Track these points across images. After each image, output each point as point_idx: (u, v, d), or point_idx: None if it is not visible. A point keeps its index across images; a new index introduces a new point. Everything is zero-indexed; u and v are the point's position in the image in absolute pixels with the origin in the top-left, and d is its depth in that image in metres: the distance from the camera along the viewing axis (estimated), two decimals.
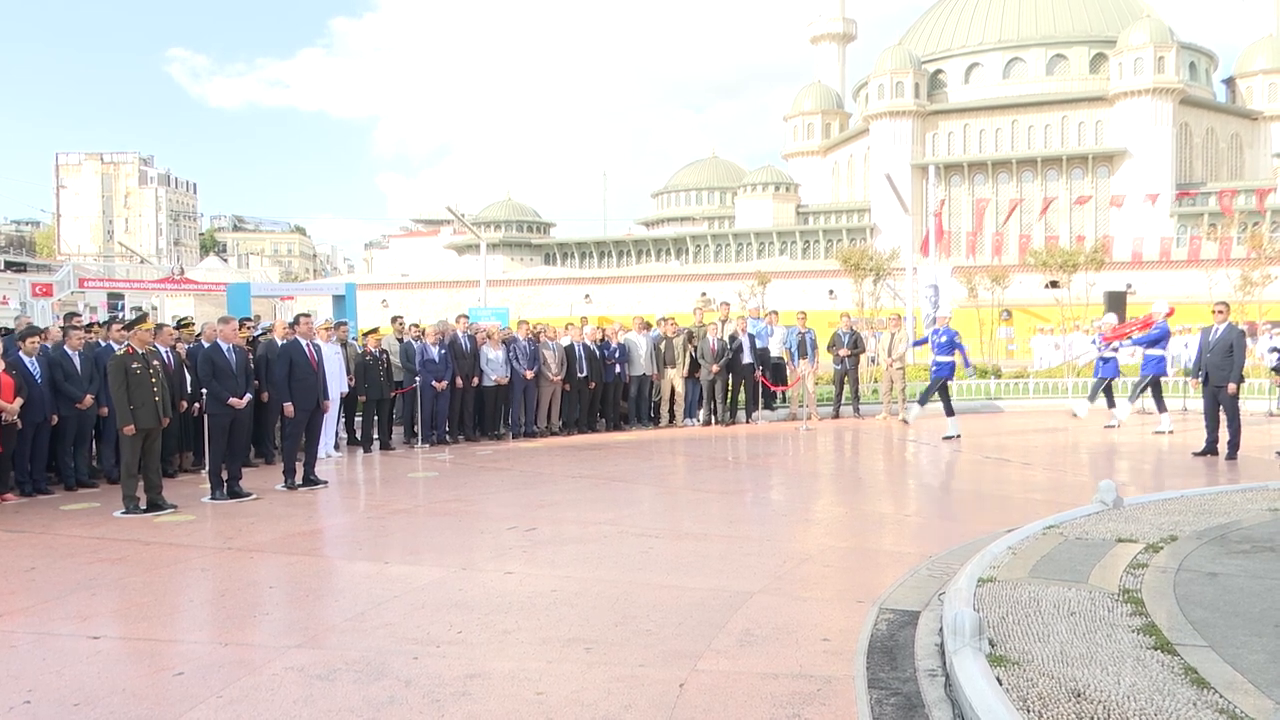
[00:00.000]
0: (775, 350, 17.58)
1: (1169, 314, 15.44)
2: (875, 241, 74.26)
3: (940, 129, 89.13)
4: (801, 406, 17.34)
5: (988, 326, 46.75)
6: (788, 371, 17.68)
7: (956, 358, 15.26)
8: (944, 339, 14.77)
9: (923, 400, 15.34)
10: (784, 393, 18.05)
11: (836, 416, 17.67)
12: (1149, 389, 15.23)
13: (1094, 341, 16.53)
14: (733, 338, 16.86)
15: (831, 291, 60.15)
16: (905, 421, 15.64)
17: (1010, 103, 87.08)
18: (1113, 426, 15.31)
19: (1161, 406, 15.29)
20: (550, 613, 5.76)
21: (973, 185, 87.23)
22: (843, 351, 17.77)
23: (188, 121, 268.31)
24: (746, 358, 16.80)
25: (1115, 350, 15.98)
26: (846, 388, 17.93)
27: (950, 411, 14.67)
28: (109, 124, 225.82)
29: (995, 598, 5.46)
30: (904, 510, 9.18)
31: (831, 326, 18.79)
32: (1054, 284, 51.40)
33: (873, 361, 20.30)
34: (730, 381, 17.00)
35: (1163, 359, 15.03)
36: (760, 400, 17.20)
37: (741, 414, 17.24)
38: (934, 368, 14.86)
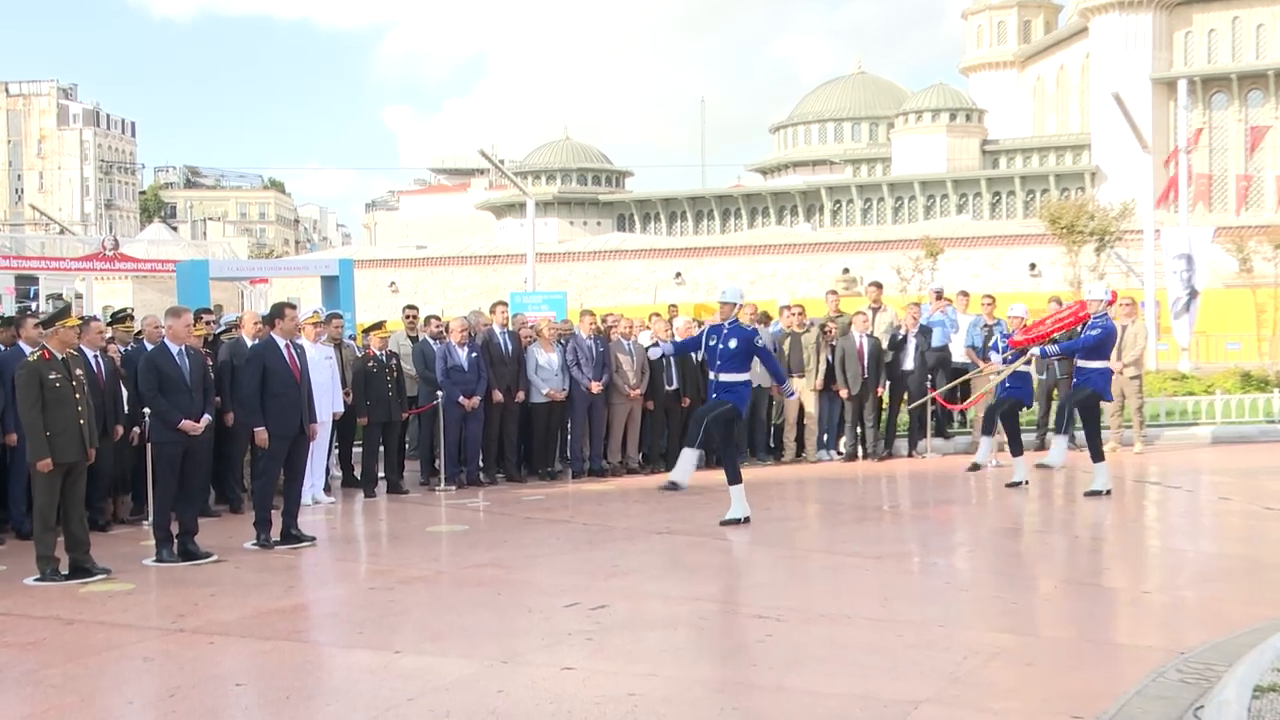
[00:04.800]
0: (957, 353, 17.28)
1: (1112, 302, 13.72)
2: (1098, 192, 72.82)
3: (1195, 25, 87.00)
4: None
5: (1269, 315, 45.36)
6: (971, 382, 17.41)
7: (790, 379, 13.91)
8: (734, 344, 11.52)
9: (692, 441, 11.85)
10: (964, 413, 17.78)
11: (1042, 447, 17.35)
12: (1070, 419, 13.69)
13: (997, 347, 14.68)
14: (897, 334, 16.66)
15: (1034, 265, 59.22)
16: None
17: None
18: (1018, 484, 13.70)
19: (1017, 447, 13.91)
20: None
21: (1245, 107, 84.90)
22: (1051, 352, 17.44)
23: (124, 38, 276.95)
24: (909, 362, 16.60)
25: (1029, 362, 14.11)
26: (1056, 405, 17.59)
27: (736, 477, 11.48)
28: (17, 43, 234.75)
29: None
30: (1142, 584, 8.99)
31: (1034, 318, 18.46)
32: None
33: None
34: (887, 397, 16.84)
35: (1106, 373, 13.28)
36: (930, 424, 16.99)
37: (902, 444, 17.06)
38: (714, 393, 11.73)
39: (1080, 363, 13.28)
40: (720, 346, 11.52)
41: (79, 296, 40.02)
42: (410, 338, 15.29)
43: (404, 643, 7.39)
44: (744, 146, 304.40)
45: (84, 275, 38.65)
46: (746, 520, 11.32)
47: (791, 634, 7.46)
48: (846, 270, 62.10)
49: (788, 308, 17.36)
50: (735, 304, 11.79)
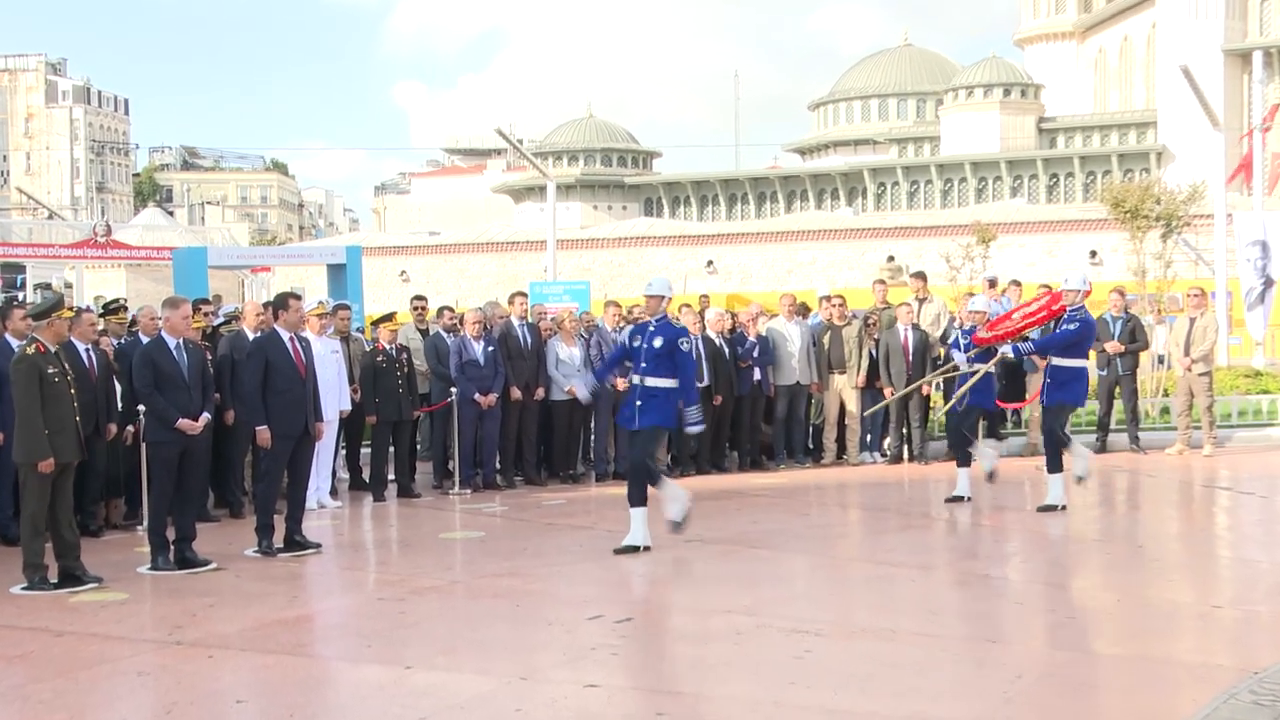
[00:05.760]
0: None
1: (1088, 293, 13.21)
2: (1165, 173, 72.36)
3: None
4: None
5: None
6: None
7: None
8: (658, 343, 10.74)
9: (650, 479, 10.77)
10: (1018, 412, 17.72)
11: (1103, 449, 17.31)
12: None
13: (956, 344, 13.99)
14: (951, 326, 16.58)
15: (1094, 253, 58.86)
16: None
17: None
18: (959, 499, 12.93)
19: (965, 458, 13.13)
20: None
21: None
22: (1112, 347, 17.38)
23: (116, 10, 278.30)
24: (961, 358, 16.54)
25: (997, 363, 13.36)
26: (1119, 404, 17.53)
27: (640, 492, 10.58)
28: (1, 14, 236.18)
29: None
30: (1212, 598, 8.92)
31: (1095, 309, 18.35)
32: None
33: (1160, 363, 19.76)
34: (937, 394, 16.79)
35: (1082, 375, 12.75)
36: (983, 425, 16.93)
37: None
38: (638, 400, 10.82)
39: (1056, 361, 12.70)
40: (644, 346, 10.80)
41: (69, 286, 40.12)
42: (419, 330, 15.32)
43: (415, 657, 7.42)
44: (781, 125, 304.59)
45: (74, 263, 38.87)
46: (647, 549, 10.43)
47: (831, 649, 7.47)
48: (891, 258, 61.87)
49: (828, 298, 17.32)
50: (663, 297, 11.09)
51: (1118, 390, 17.47)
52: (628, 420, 10.87)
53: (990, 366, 13.17)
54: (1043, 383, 12.97)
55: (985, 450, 13.53)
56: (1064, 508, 12.23)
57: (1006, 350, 13.02)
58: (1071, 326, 12.54)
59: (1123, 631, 8.01)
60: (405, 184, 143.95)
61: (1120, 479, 15.31)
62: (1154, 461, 16.27)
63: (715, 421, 15.82)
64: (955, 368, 13.82)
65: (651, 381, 10.71)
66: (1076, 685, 6.76)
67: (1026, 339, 13.09)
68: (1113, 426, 17.59)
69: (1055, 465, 12.35)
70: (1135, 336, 17.58)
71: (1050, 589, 9.32)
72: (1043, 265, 56.32)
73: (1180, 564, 10.36)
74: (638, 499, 10.55)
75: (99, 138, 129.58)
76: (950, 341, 14.49)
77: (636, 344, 10.97)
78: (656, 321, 10.92)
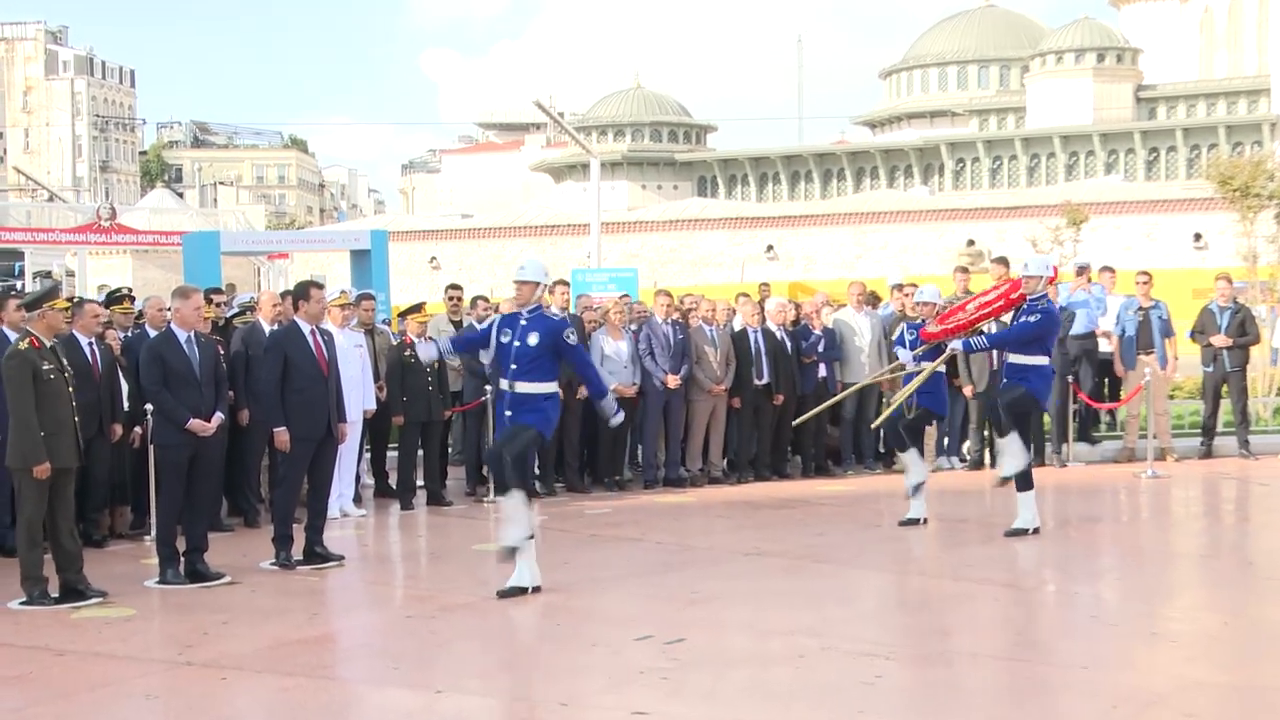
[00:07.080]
0: (1105, 341, 17.07)
1: (1052, 280, 12.72)
2: (1279, 147, 71.70)
3: None
4: (1144, 436, 16.89)
5: None
6: (1123, 376, 17.22)
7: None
8: (534, 340, 9.88)
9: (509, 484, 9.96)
10: (1113, 413, 17.56)
11: (1208, 454, 17.17)
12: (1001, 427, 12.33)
13: (902, 340, 13.60)
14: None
15: (1199, 235, 58.35)
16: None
17: None
18: (915, 522, 12.48)
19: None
20: None
21: None
22: (1219, 341, 17.22)
23: None
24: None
25: (945, 360, 12.94)
26: (1226, 404, 17.36)
27: (520, 480, 9.87)
28: None
29: None
30: None
31: (1199, 298, 18.21)
32: None
33: (1277, 360, 19.55)
34: None
35: (1045, 373, 12.32)
36: (1074, 427, 16.83)
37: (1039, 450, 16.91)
38: (507, 410, 10.10)
39: (1013, 358, 12.32)
40: (516, 344, 9.87)
41: (70, 274, 40.47)
42: (453, 322, 15.35)
43: (446, 680, 7.45)
44: (849, 96, 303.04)
45: (76, 249, 39.13)
46: (536, 590, 9.55)
47: (904, 675, 7.45)
48: (971, 242, 61.45)
49: (900, 286, 17.21)
50: (538, 284, 10.14)
51: (1224, 389, 17.32)
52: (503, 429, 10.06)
53: (938, 365, 12.84)
54: (999, 381, 12.70)
55: (913, 463, 13.17)
56: (1037, 530, 11.80)
57: (956, 345, 12.58)
58: (1032, 319, 12.06)
59: (1230, 657, 7.95)
60: (435, 162, 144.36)
61: (1228, 488, 15.19)
62: (1265, 468, 16.12)
63: (777, 423, 15.81)
64: (901, 366, 13.56)
65: (524, 387, 9.84)
66: (1182, 715, 6.71)
67: (980, 333, 12.71)
68: (1219, 429, 17.43)
69: (1024, 482, 11.89)
70: (1245, 329, 17.41)
71: (1149, 609, 9.24)
72: (1140, 250, 55.78)
73: None
74: (517, 485, 9.71)
75: (103, 112, 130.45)
76: (896, 337, 14.26)
77: (505, 340, 10.04)
78: (529, 313, 10.00)
